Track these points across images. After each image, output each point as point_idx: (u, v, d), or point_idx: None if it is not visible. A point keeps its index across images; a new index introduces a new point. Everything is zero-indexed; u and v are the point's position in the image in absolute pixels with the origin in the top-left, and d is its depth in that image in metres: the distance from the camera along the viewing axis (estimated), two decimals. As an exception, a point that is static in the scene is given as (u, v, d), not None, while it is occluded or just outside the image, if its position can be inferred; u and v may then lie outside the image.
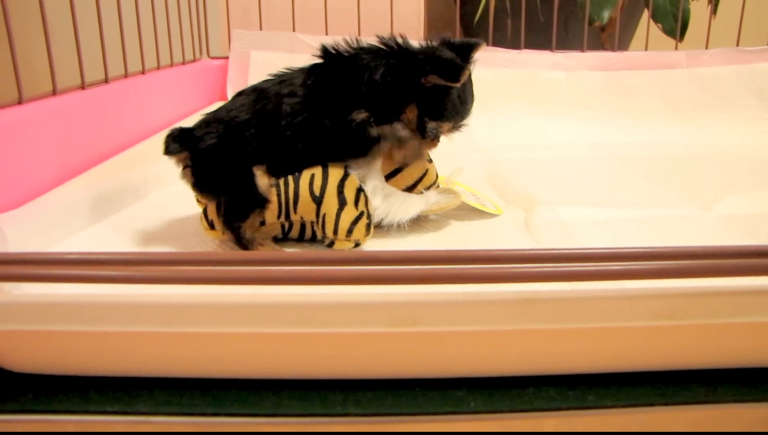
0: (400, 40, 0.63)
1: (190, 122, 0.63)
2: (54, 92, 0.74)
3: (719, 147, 1.10)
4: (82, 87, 0.81)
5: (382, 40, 0.63)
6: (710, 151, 1.07)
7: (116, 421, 0.38)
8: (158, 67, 1.07)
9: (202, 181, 0.61)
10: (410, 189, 0.66)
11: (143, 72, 1.00)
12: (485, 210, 0.72)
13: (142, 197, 0.78)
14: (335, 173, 0.62)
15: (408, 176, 0.66)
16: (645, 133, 1.18)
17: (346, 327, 0.36)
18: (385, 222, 0.64)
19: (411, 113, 0.62)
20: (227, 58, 1.30)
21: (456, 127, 0.64)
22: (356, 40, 0.63)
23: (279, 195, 0.61)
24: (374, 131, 0.61)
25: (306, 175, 0.62)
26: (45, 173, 0.69)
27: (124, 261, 0.37)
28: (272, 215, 0.61)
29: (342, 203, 0.60)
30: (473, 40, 0.65)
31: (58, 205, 0.64)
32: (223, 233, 0.62)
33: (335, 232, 0.60)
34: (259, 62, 1.27)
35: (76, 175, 0.73)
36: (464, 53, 0.63)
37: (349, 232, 0.60)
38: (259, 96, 0.62)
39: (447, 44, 0.64)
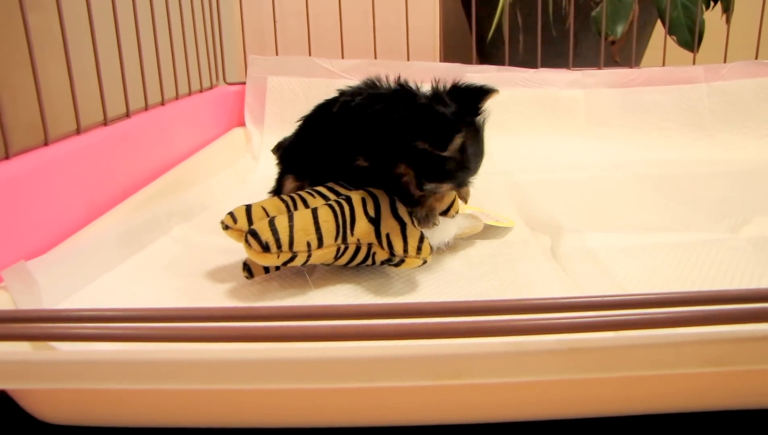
0: (409, 85, 0.63)
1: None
2: (78, 131, 0.75)
3: (741, 162, 1.09)
4: (105, 123, 0.81)
5: (390, 86, 0.64)
6: (733, 168, 1.06)
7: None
8: (177, 97, 1.07)
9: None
10: (444, 213, 0.67)
11: (162, 103, 1.00)
12: (500, 225, 0.76)
13: (167, 231, 0.78)
14: (382, 196, 0.63)
15: (442, 202, 0.67)
16: (666, 150, 1.17)
17: (389, 381, 0.35)
18: None
19: (405, 171, 0.61)
20: (244, 83, 1.30)
21: (460, 185, 0.64)
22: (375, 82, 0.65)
23: (336, 217, 0.60)
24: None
25: (357, 198, 0.62)
26: (73, 213, 0.69)
27: (158, 317, 0.37)
28: (330, 237, 0.59)
29: (402, 223, 0.61)
30: (486, 86, 0.63)
31: (85, 247, 0.64)
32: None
33: (405, 250, 0.60)
34: (276, 87, 1.28)
35: (103, 212, 0.73)
36: (474, 101, 0.62)
37: (419, 249, 0.60)
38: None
39: (456, 91, 0.62)
